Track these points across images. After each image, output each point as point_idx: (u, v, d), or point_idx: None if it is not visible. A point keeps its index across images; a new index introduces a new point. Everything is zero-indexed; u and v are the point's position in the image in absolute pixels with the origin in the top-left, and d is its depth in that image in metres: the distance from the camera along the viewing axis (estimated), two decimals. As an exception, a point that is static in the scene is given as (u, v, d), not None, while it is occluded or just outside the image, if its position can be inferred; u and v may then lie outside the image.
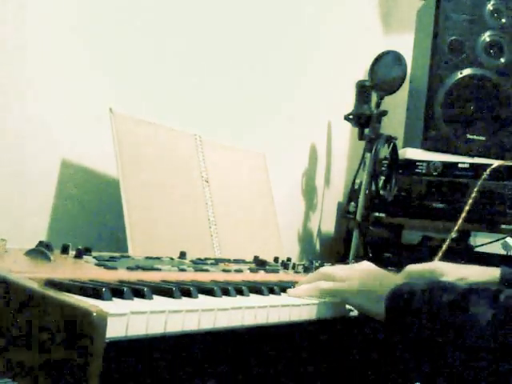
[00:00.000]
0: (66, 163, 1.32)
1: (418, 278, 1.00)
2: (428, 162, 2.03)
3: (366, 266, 1.03)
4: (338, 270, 1.02)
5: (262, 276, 1.12)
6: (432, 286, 0.91)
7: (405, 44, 2.38)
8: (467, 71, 2.14)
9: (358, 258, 1.84)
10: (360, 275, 0.98)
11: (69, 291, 0.66)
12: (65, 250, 0.94)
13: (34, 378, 0.59)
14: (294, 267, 1.33)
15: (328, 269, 1.04)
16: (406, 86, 2.17)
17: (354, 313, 1.05)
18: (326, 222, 2.43)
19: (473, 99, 2.14)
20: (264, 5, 1.95)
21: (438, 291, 0.89)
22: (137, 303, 0.68)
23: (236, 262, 1.25)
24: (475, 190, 1.83)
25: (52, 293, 0.61)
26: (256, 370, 1.15)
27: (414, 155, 2.09)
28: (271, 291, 0.95)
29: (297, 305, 0.91)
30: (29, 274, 0.68)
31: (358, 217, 1.98)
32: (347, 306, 1.03)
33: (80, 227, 1.35)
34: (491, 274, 1.13)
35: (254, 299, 0.87)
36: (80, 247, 0.94)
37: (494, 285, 1.09)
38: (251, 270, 1.15)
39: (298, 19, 2.13)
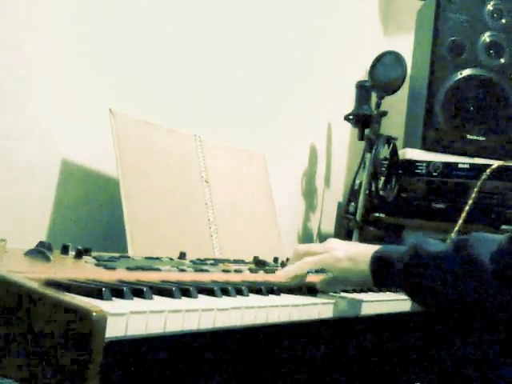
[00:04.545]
0: (66, 163, 1.32)
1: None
2: (428, 163, 2.03)
3: (336, 240, 1.09)
4: (315, 246, 1.07)
5: (261, 276, 1.12)
6: (416, 242, 0.97)
7: (405, 44, 2.39)
8: (467, 71, 2.14)
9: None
10: (340, 246, 1.04)
11: (69, 291, 0.66)
12: (65, 250, 0.94)
13: (34, 378, 0.59)
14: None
15: (306, 247, 1.07)
16: (406, 86, 2.17)
17: (353, 313, 1.05)
18: (326, 222, 2.43)
19: (473, 99, 2.14)
20: (264, 5, 1.95)
21: (425, 246, 0.96)
22: (136, 303, 0.68)
23: (236, 262, 1.26)
24: (475, 190, 1.83)
25: (52, 293, 0.62)
26: (255, 370, 1.15)
27: (413, 155, 2.09)
28: (271, 291, 0.95)
29: (296, 305, 0.91)
30: (29, 274, 0.68)
31: (358, 217, 1.98)
32: (345, 307, 1.03)
33: (80, 227, 1.35)
34: None
35: (253, 299, 0.87)
36: (80, 247, 0.94)
37: None
38: (251, 271, 1.15)
39: (298, 19, 2.14)
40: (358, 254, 1.01)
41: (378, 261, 0.99)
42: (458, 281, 0.91)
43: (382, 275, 0.99)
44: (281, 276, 0.99)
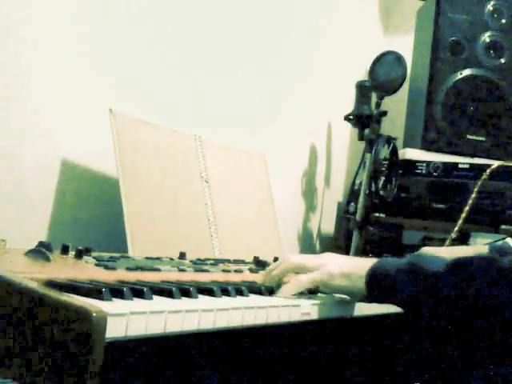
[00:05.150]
0: (66, 163, 1.32)
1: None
2: (428, 163, 2.02)
3: (329, 254, 1.06)
4: (309, 262, 1.03)
5: (261, 276, 1.12)
6: (413, 259, 0.96)
7: (405, 44, 2.39)
8: (467, 71, 2.14)
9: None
10: (335, 261, 1.01)
11: (69, 291, 0.66)
12: (65, 250, 0.94)
13: (34, 378, 0.59)
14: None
15: (297, 260, 1.04)
16: (406, 86, 2.17)
17: (352, 313, 1.05)
18: (326, 222, 2.43)
19: (473, 99, 2.14)
20: (264, 5, 1.95)
21: (423, 263, 0.93)
22: (136, 303, 0.68)
23: (236, 262, 1.25)
24: (475, 190, 1.83)
25: (52, 293, 0.61)
26: (255, 370, 1.15)
27: (413, 155, 2.09)
28: (271, 292, 0.95)
29: (296, 305, 0.91)
30: (29, 275, 0.68)
31: (358, 217, 1.97)
32: (346, 307, 1.03)
33: (80, 227, 1.35)
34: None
35: (253, 300, 0.87)
36: (80, 247, 0.94)
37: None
38: (251, 271, 1.15)
39: (298, 19, 2.13)
40: (353, 270, 0.98)
41: (373, 278, 0.96)
42: (457, 301, 0.90)
43: (377, 293, 0.97)
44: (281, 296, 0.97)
